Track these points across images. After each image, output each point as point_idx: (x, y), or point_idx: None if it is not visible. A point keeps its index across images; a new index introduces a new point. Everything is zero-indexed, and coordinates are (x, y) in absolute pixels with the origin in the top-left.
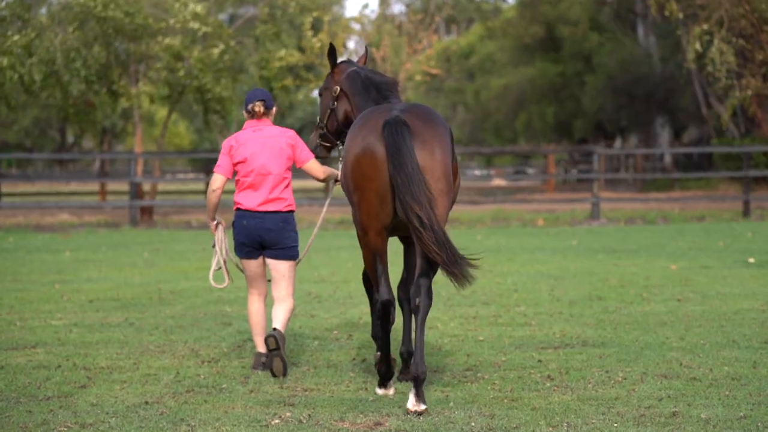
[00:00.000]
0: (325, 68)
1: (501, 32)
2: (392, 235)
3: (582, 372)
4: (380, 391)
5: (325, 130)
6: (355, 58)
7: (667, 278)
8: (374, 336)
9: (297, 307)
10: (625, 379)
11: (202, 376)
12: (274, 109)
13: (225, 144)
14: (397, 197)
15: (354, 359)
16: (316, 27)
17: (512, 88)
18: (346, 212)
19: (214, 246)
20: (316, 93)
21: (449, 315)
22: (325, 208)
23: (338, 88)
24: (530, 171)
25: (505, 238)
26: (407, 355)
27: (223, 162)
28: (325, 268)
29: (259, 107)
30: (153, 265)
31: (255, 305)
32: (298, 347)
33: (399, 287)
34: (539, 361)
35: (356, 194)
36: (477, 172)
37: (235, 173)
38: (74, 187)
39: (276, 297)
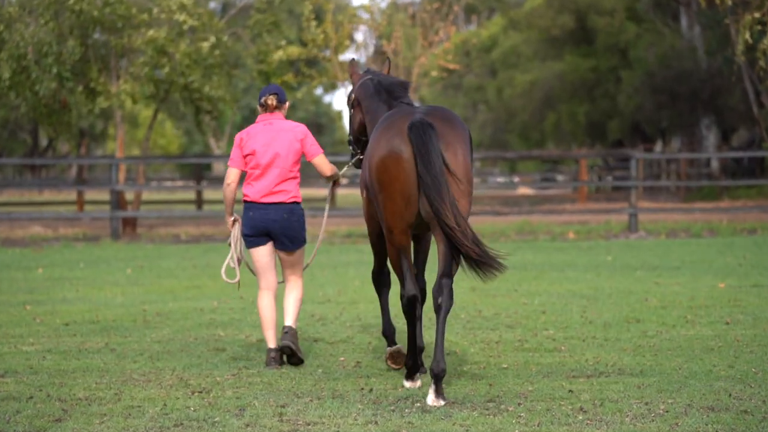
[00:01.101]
0: (329, 63)
1: (526, 23)
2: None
3: (618, 404)
4: (408, 384)
5: (350, 137)
6: (362, 54)
7: (714, 298)
8: (385, 333)
9: (299, 330)
10: (667, 411)
11: (192, 408)
12: (287, 103)
13: (237, 137)
14: (423, 196)
15: (362, 389)
16: (318, 16)
17: (539, 85)
18: (353, 224)
19: (229, 244)
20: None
21: (469, 340)
22: (326, 212)
23: (353, 96)
24: (560, 178)
25: (532, 253)
26: (419, 351)
27: (235, 155)
28: (331, 286)
29: (272, 100)
30: (137, 284)
31: (265, 300)
32: (299, 375)
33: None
34: (570, 391)
35: (381, 195)
36: (500, 179)
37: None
38: (48, 196)
39: (286, 279)
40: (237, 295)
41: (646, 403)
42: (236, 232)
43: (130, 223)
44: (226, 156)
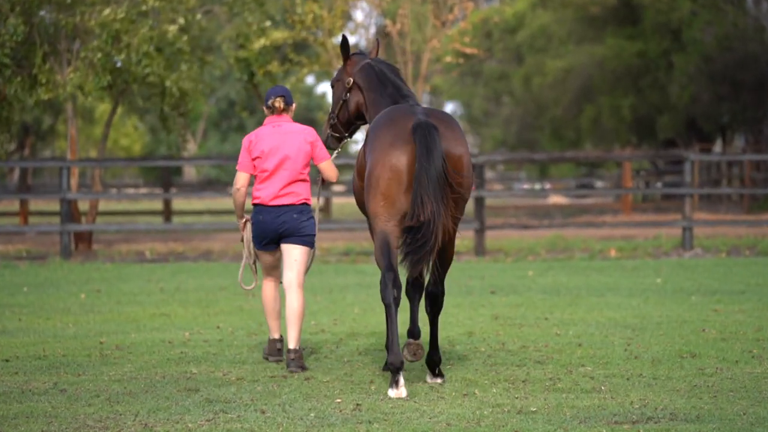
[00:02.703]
0: (322, 47)
1: None
2: None
3: None
4: (393, 393)
5: (335, 121)
6: (362, 37)
7: None
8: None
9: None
10: None
11: None
12: (294, 105)
13: (245, 140)
14: (414, 193)
15: None
16: None
17: (574, 73)
18: (351, 239)
19: (242, 240)
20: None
21: (490, 378)
22: (317, 210)
23: (351, 80)
24: (599, 184)
25: (566, 274)
26: (418, 334)
27: (243, 159)
28: (325, 314)
29: (279, 103)
30: (92, 311)
31: (269, 291)
32: (288, 421)
33: (406, 281)
34: None
35: (378, 190)
36: (527, 186)
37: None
38: None
39: (286, 284)
40: (213, 324)
41: None
42: (248, 234)
43: (85, 239)
44: (198, 158)
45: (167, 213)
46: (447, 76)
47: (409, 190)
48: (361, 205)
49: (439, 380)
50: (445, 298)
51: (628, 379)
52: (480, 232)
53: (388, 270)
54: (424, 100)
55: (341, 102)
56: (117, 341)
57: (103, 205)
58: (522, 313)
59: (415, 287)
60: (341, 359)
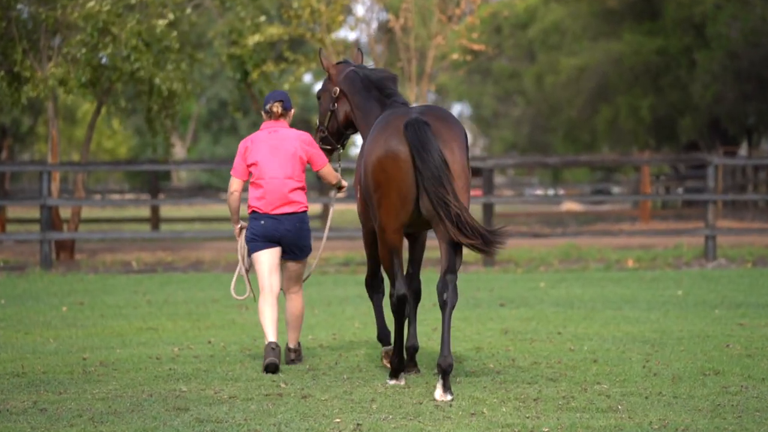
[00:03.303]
0: (320, 44)
1: None
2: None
3: None
4: (392, 382)
5: (326, 132)
6: (363, 33)
7: None
8: (380, 338)
9: (287, 385)
10: None
11: None
12: (293, 110)
13: (240, 145)
14: (423, 193)
15: None
16: None
17: (590, 72)
18: (352, 248)
19: (239, 256)
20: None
21: (499, 396)
22: (329, 221)
23: (337, 90)
24: (616, 190)
25: (580, 286)
26: (413, 351)
27: (238, 164)
28: (324, 329)
29: (277, 108)
30: (75, 326)
31: (267, 303)
32: None
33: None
34: None
35: (377, 194)
36: (540, 192)
37: (250, 174)
38: None
39: (287, 290)
40: (204, 339)
41: None
42: (243, 241)
43: (67, 248)
44: (188, 162)
45: (155, 220)
46: (453, 74)
47: (407, 192)
48: (363, 216)
49: (448, 397)
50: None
51: (646, 397)
52: None
53: (402, 287)
54: (429, 100)
55: (329, 113)
56: (101, 357)
57: (86, 212)
58: (533, 328)
59: (411, 287)
60: (340, 376)
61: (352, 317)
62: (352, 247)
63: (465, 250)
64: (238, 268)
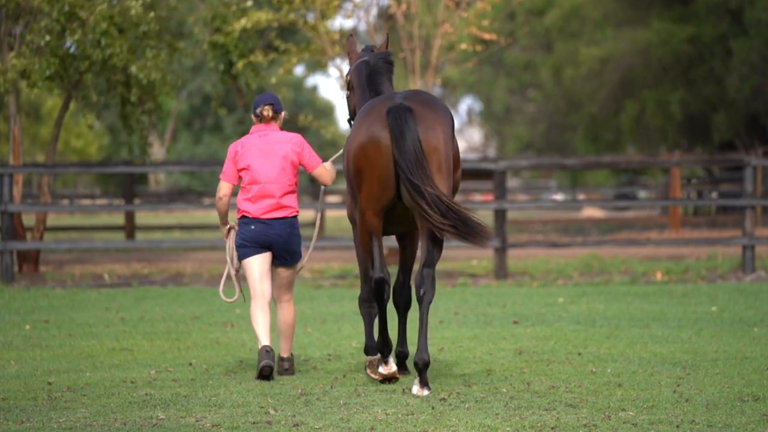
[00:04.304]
0: (313, 32)
1: None
2: (390, 233)
3: None
4: (370, 357)
5: (349, 118)
6: (361, 21)
7: None
8: (367, 351)
9: (277, 412)
10: None
11: None
12: (284, 113)
13: (230, 149)
14: (401, 181)
15: None
16: None
17: (614, 63)
18: (348, 259)
19: (228, 257)
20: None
21: (513, 424)
22: (318, 217)
23: (349, 79)
24: (642, 195)
25: (603, 301)
26: (403, 357)
27: (228, 169)
28: (317, 348)
29: (267, 111)
30: (39, 346)
31: (259, 310)
32: None
33: (394, 289)
34: None
35: (358, 179)
36: (558, 197)
37: (240, 178)
38: None
39: (278, 298)
40: (184, 360)
41: None
42: (231, 242)
43: (31, 259)
44: (167, 163)
45: (129, 228)
46: (462, 66)
47: (387, 177)
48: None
49: (426, 392)
50: (458, 327)
51: (677, 426)
52: (501, 251)
53: (380, 271)
54: (436, 93)
55: (347, 101)
56: (69, 381)
57: (52, 220)
58: (551, 347)
59: (402, 294)
60: (336, 402)
61: (349, 336)
62: (348, 258)
63: (473, 252)
64: (226, 270)
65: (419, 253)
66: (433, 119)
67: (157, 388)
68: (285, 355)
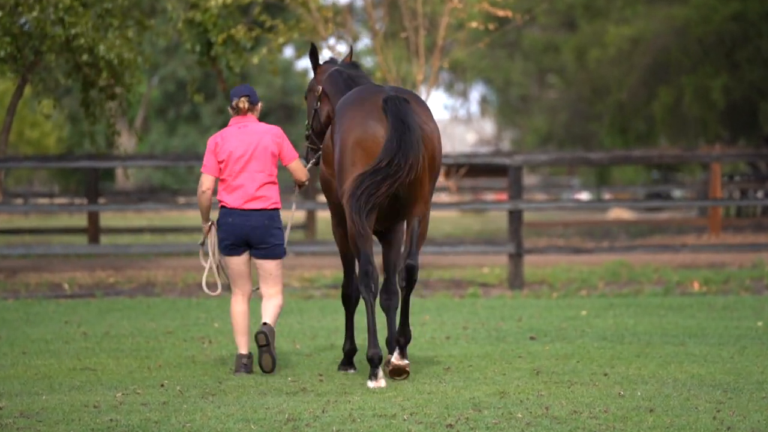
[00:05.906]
0: (303, 9)
1: None
2: (373, 231)
3: None
4: (372, 384)
5: (310, 132)
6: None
7: None
8: (346, 351)
9: None
10: None
11: None
12: (260, 104)
13: (210, 141)
14: (396, 155)
15: None
16: None
17: (646, 44)
18: (340, 268)
19: (202, 244)
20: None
21: None
22: (293, 208)
23: (320, 89)
24: (677, 194)
25: (633, 314)
26: (378, 360)
27: (208, 161)
28: (307, 368)
29: (243, 103)
30: None
31: (238, 306)
32: None
33: (381, 291)
34: None
35: (351, 171)
36: (582, 196)
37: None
38: None
39: (264, 293)
40: (155, 381)
41: None
42: (214, 237)
43: None
44: (137, 157)
45: (93, 231)
46: (472, 47)
47: None
48: (329, 193)
49: (404, 362)
50: (467, 343)
51: None
52: (516, 257)
53: (366, 262)
54: (442, 79)
55: (314, 112)
56: (21, 406)
57: (3, 221)
58: (572, 367)
59: (390, 292)
60: (328, 428)
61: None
62: (340, 266)
63: (484, 259)
64: (208, 263)
65: (404, 242)
66: (426, 115)
67: (124, 413)
68: (265, 320)
